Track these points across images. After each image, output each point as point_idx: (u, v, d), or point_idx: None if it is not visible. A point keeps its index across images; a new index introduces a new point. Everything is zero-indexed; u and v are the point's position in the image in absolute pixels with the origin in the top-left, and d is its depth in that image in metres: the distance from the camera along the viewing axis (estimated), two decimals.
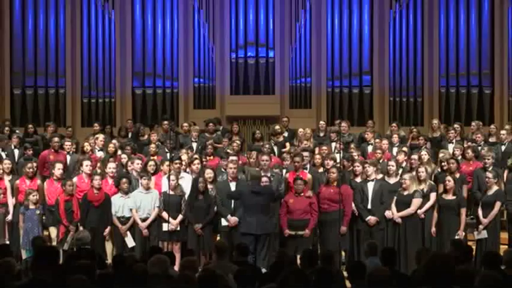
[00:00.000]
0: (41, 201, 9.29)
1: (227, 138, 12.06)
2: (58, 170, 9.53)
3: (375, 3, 15.17)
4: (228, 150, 10.93)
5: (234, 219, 8.98)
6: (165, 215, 9.04)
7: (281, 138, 12.25)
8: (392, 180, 9.39)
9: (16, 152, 11.25)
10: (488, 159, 9.86)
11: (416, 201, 9.02)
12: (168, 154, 10.29)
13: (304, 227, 8.90)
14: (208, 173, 9.36)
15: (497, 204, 9.00)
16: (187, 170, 9.87)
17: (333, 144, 11.52)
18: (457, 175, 9.58)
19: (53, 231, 9.24)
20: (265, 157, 9.43)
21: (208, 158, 10.71)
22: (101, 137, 11.48)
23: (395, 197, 9.12)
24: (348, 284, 5.58)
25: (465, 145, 11.03)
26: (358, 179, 9.39)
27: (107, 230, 9.14)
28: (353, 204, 9.13)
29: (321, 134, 12.62)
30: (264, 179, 8.86)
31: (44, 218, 9.34)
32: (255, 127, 14.60)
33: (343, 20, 15.17)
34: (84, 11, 15.24)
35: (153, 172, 9.71)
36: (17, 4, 15.14)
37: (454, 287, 4.09)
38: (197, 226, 9.01)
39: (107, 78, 15.17)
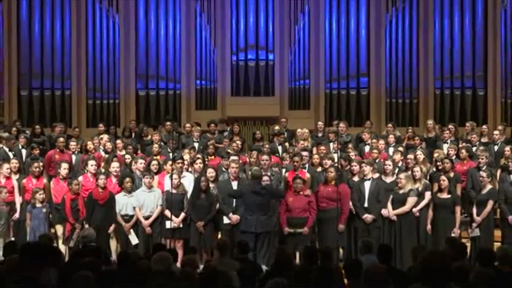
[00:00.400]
0: (47, 199, 9.29)
1: (228, 139, 12.05)
2: (64, 169, 9.55)
3: (372, 7, 15.17)
4: (229, 150, 10.93)
5: (235, 217, 8.97)
6: (167, 213, 9.04)
7: (283, 138, 12.24)
8: (388, 179, 9.39)
9: (23, 151, 11.24)
10: (483, 159, 9.86)
11: (411, 200, 9.02)
12: (170, 154, 10.28)
13: (303, 224, 8.90)
14: (210, 172, 9.37)
15: (490, 203, 9.01)
16: (190, 169, 9.86)
17: (331, 144, 11.51)
18: (451, 174, 9.58)
19: (59, 228, 9.25)
20: (265, 157, 9.46)
21: (209, 157, 10.72)
22: (105, 137, 11.48)
23: (391, 196, 9.12)
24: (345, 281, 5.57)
25: (459, 145, 11.03)
26: (356, 178, 9.39)
27: (112, 227, 9.14)
28: (350, 203, 9.12)
29: (319, 135, 12.61)
30: (265, 178, 8.86)
31: (50, 216, 9.33)
32: (255, 128, 14.60)
33: (341, 23, 15.17)
34: (89, 15, 15.24)
35: (156, 171, 9.71)
36: (24, 9, 15.14)
37: (449, 283, 4.08)
38: (199, 224, 9.01)
39: (111, 80, 15.17)
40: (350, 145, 11.28)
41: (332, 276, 4.92)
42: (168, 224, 9.01)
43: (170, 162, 9.47)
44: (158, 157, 10.49)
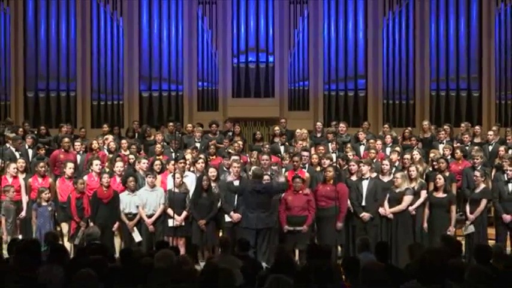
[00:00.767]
0: (52, 198, 9.28)
1: (227, 139, 12.03)
2: (69, 169, 9.54)
3: (369, 11, 15.17)
4: (230, 150, 10.92)
5: (236, 216, 8.96)
6: (170, 211, 9.03)
7: (284, 138, 12.24)
8: (386, 179, 9.38)
9: (30, 151, 11.23)
10: (478, 159, 9.85)
11: (407, 198, 9.01)
12: (173, 154, 10.27)
13: (302, 223, 8.89)
14: (212, 172, 9.37)
15: (484, 202, 9.02)
16: (192, 168, 9.85)
17: (330, 145, 11.50)
18: (447, 174, 9.58)
19: (64, 226, 9.23)
20: (265, 156, 9.46)
21: (211, 157, 10.71)
22: (110, 137, 11.48)
23: (387, 194, 9.11)
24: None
25: (454, 145, 11.02)
26: (354, 178, 9.37)
27: (115, 225, 9.13)
28: (349, 201, 9.11)
29: (318, 135, 12.59)
30: (266, 177, 8.86)
31: (55, 214, 9.32)
32: (255, 128, 14.60)
33: (339, 26, 15.16)
34: (94, 18, 15.24)
35: (159, 171, 9.71)
36: (30, 13, 15.15)
37: (446, 280, 4.07)
38: (201, 222, 9.00)
39: (115, 82, 15.18)
40: (348, 145, 11.27)
41: (332, 275, 4.90)
42: (170, 222, 9.00)
43: (173, 162, 9.47)
44: (161, 157, 10.49)
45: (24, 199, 9.48)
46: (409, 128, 12.66)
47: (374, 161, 10.12)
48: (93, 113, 15.17)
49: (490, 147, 11.28)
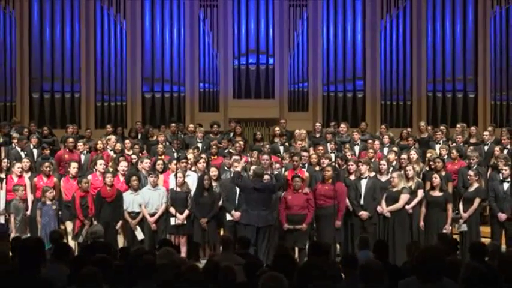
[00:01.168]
0: (57, 197, 9.28)
1: (226, 140, 12.00)
2: (73, 168, 9.54)
3: (367, 14, 15.17)
4: (231, 150, 10.91)
5: (237, 214, 8.96)
6: (172, 210, 9.02)
7: (284, 139, 12.22)
8: (383, 178, 9.37)
9: (35, 151, 11.23)
10: (474, 159, 9.86)
11: (404, 197, 9.00)
12: (175, 154, 10.26)
13: (301, 221, 8.89)
14: (213, 171, 9.37)
15: (477, 201, 9.03)
16: (193, 168, 9.85)
17: (329, 145, 11.49)
18: (443, 173, 9.58)
19: (68, 225, 9.23)
20: (265, 156, 9.45)
21: (212, 157, 10.70)
22: (113, 138, 11.47)
23: (385, 193, 9.11)
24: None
25: (451, 145, 11.02)
26: (352, 177, 9.37)
27: (119, 224, 9.13)
28: (347, 200, 9.11)
29: (317, 135, 12.58)
30: (266, 176, 8.85)
31: (60, 212, 9.32)
32: (256, 129, 14.59)
33: (338, 29, 15.16)
34: (98, 21, 15.24)
35: (161, 170, 9.70)
36: (35, 16, 15.14)
37: (443, 277, 4.07)
38: (203, 220, 9.00)
39: (118, 83, 15.17)
40: (347, 145, 11.26)
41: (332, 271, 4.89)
42: (172, 221, 9.00)
43: (175, 162, 9.46)
44: (163, 157, 10.48)
45: (30, 198, 9.48)
46: (408, 129, 12.67)
47: (372, 160, 10.11)
48: (97, 114, 15.16)
49: (486, 147, 11.27)
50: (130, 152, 10.86)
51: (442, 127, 12.16)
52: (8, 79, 15.01)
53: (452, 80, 15.01)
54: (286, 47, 15.20)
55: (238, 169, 9.19)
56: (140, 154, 10.74)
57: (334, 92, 15.11)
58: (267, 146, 11.25)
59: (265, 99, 15.05)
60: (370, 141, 11.29)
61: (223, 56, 15.13)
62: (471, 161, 9.84)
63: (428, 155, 10.44)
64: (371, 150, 10.64)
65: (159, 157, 10.35)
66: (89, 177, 9.50)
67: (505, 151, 10.36)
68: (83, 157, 10.85)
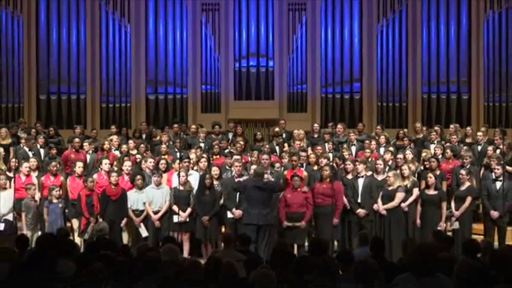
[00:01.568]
0: (63, 195, 9.29)
1: (225, 140, 12.02)
2: (79, 168, 9.57)
3: (364, 18, 15.17)
4: (232, 150, 10.92)
5: (238, 212, 8.97)
6: (175, 208, 9.04)
7: (281, 139, 12.24)
8: (380, 177, 9.39)
9: (42, 151, 11.25)
10: (467, 159, 9.87)
11: (399, 195, 9.02)
12: (178, 153, 10.29)
13: (300, 219, 8.90)
14: (214, 170, 9.38)
15: (469, 199, 9.05)
16: (196, 167, 9.86)
17: (326, 145, 11.51)
18: (438, 172, 9.60)
19: (75, 222, 9.25)
20: (265, 156, 9.46)
21: (214, 157, 10.72)
22: (114, 138, 11.49)
23: (381, 192, 9.12)
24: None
25: (445, 145, 11.03)
26: (350, 176, 9.38)
27: (123, 221, 9.15)
28: (345, 198, 9.12)
29: (315, 136, 12.60)
30: (266, 176, 8.86)
31: (66, 210, 9.33)
32: (256, 129, 14.59)
33: (336, 32, 15.16)
34: (103, 25, 15.25)
35: (164, 170, 9.72)
36: (42, 19, 15.16)
37: (437, 273, 4.08)
38: (204, 218, 9.01)
39: (123, 85, 15.19)
40: (345, 145, 11.28)
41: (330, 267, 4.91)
42: (175, 218, 9.02)
43: (178, 161, 9.48)
44: (166, 156, 10.50)
45: (37, 196, 9.49)
46: (405, 130, 12.71)
47: (369, 160, 10.13)
48: (102, 115, 15.18)
49: (479, 147, 11.29)
50: (135, 152, 10.88)
51: (436, 128, 12.17)
52: (16, 81, 15.04)
53: (447, 82, 15.01)
54: (286, 50, 15.21)
55: (240, 179, 9.15)
56: (144, 154, 10.76)
57: (332, 94, 15.11)
58: (267, 146, 11.27)
59: (265, 100, 15.06)
60: (367, 141, 11.31)
61: (225, 59, 15.14)
62: (464, 160, 9.86)
63: (423, 154, 10.45)
64: (368, 150, 10.66)
65: (162, 157, 10.36)
66: (95, 176, 9.52)
67: (498, 151, 10.38)
68: (88, 157, 10.87)
